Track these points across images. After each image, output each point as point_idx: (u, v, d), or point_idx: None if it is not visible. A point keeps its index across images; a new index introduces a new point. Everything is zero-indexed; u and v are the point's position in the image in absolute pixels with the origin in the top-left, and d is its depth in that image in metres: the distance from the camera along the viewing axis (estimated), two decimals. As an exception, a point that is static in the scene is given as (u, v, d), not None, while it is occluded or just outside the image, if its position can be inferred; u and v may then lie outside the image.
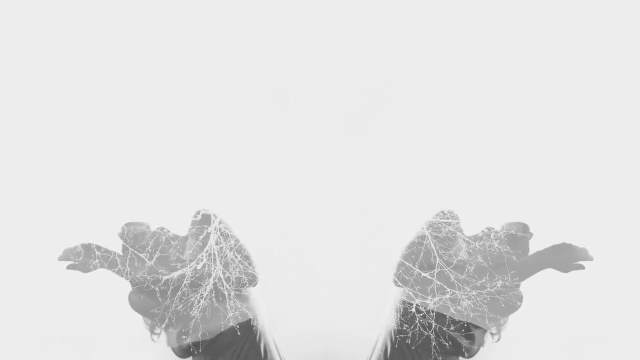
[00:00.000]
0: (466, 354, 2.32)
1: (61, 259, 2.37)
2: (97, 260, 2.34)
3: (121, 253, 2.35)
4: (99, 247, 2.36)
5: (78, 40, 2.72)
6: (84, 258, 2.36)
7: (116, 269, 2.35)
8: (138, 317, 2.66)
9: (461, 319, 2.27)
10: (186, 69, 2.73)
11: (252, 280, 2.36)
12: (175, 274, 2.35)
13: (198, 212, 2.42)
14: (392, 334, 2.32)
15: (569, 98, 2.74)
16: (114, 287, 2.68)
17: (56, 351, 2.69)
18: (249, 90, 2.71)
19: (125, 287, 2.58)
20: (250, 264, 2.42)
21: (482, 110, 2.74)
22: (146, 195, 2.73)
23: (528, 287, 2.59)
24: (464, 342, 2.28)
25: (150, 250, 2.37)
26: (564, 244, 2.35)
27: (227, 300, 2.30)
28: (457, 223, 2.39)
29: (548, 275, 2.64)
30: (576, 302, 2.72)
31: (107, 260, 2.35)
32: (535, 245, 2.34)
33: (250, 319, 2.32)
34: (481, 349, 2.34)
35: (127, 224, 2.38)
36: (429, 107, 2.71)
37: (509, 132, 2.75)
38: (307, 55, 2.67)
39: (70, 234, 2.64)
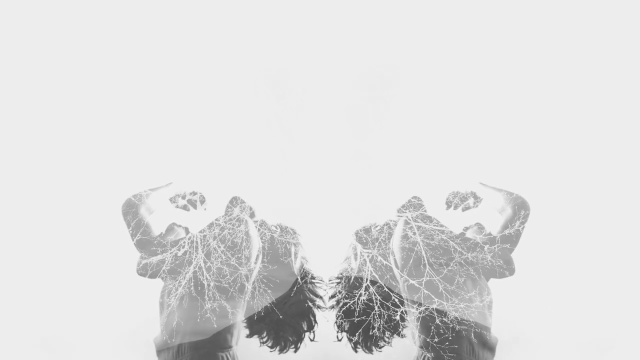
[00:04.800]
0: None
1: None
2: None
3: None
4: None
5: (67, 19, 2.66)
6: None
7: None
8: (119, 320, 2.60)
9: (446, 330, 2.22)
10: (188, 55, 2.67)
11: (234, 272, 2.29)
12: (154, 259, 2.27)
13: (235, 199, 2.39)
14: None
15: (568, 99, 2.71)
16: (96, 291, 2.63)
17: (36, 356, 2.61)
18: (251, 73, 2.65)
19: (108, 290, 2.54)
20: (233, 254, 2.34)
21: (484, 106, 2.70)
22: (139, 181, 2.64)
23: (551, 291, 2.61)
24: (447, 355, 2.22)
25: (131, 232, 2.30)
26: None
27: (206, 291, 2.22)
28: (451, 232, 2.34)
29: (572, 280, 2.64)
30: (599, 307, 2.67)
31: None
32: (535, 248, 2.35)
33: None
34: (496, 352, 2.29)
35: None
36: (430, 102, 2.66)
37: (509, 129, 2.71)
38: (311, 42, 2.63)
39: (55, 235, 2.63)
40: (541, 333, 2.62)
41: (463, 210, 2.50)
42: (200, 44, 2.65)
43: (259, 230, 2.38)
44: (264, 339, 2.37)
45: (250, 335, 2.36)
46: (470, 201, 2.51)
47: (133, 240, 2.29)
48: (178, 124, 2.69)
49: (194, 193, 2.47)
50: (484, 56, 2.65)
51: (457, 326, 2.20)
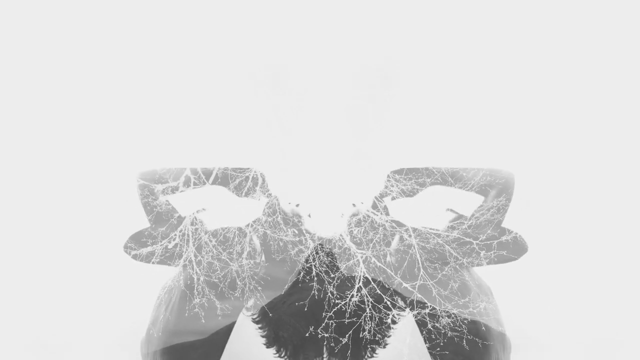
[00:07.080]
0: None
1: None
2: None
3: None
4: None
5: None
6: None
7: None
8: (119, 320, 2.65)
9: (438, 337, 2.16)
10: (186, 53, 2.70)
11: (225, 267, 2.29)
12: (144, 250, 2.31)
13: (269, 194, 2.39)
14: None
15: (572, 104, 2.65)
16: (95, 290, 2.69)
17: (33, 356, 2.66)
18: (250, 71, 2.68)
19: (103, 290, 2.59)
20: (224, 249, 2.35)
21: (486, 106, 2.64)
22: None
23: (555, 290, 2.59)
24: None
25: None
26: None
27: (196, 285, 2.24)
28: (447, 235, 2.30)
29: (578, 279, 2.60)
30: (606, 306, 2.61)
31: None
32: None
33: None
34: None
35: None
36: (431, 102, 2.64)
37: (512, 128, 2.64)
38: (311, 41, 2.60)
39: (52, 233, 2.68)
40: (545, 333, 2.57)
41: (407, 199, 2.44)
42: (199, 43, 2.67)
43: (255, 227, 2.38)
44: (283, 355, 2.33)
45: (268, 346, 2.33)
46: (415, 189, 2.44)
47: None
48: (176, 123, 2.73)
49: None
50: (486, 55, 2.63)
51: (484, 341, 2.16)
